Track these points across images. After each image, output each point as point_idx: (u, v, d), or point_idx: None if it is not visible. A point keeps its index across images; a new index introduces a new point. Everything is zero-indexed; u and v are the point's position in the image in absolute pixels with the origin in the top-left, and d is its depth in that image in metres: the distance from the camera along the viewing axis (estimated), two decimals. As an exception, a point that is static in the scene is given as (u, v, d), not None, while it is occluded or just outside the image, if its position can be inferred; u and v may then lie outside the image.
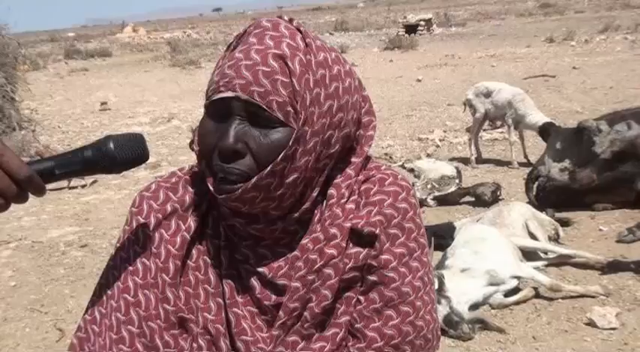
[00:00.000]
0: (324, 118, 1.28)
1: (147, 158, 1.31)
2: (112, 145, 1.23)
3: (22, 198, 1.15)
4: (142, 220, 1.42)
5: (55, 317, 5.45)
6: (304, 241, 1.34)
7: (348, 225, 1.34)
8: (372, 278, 1.35)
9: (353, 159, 1.38)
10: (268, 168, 1.24)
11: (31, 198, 1.20)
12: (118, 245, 1.44)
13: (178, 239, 1.38)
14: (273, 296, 1.36)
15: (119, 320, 1.38)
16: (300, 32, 1.28)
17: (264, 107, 1.21)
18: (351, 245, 1.34)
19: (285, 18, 1.31)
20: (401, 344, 1.36)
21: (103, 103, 18.73)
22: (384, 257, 1.35)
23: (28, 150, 11.75)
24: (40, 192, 1.17)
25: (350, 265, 1.33)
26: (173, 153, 11.56)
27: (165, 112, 16.44)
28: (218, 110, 1.26)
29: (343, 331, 1.36)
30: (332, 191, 1.36)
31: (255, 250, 1.37)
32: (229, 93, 1.22)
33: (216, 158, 1.26)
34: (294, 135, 1.24)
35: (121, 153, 1.24)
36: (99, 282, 1.45)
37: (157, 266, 1.37)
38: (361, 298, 1.37)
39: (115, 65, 34.75)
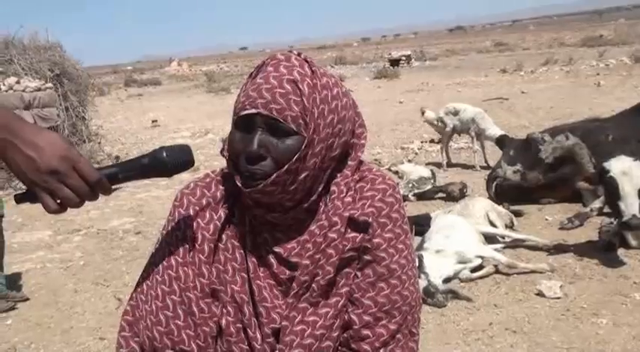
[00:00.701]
0: (328, 128, 1.30)
1: (193, 164, 1.32)
2: (164, 154, 1.24)
3: (93, 197, 1.17)
4: (182, 212, 1.44)
5: (115, 290, 5.40)
6: (312, 227, 1.36)
7: (346, 214, 1.35)
8: (367, 257, 1.37)
9: (349, 163, 1.39)
10: (285, 167, 1.26)
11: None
12: (164, 232, 1.47)
13: (212, 226, 1.40)
14: (287, 271, 1.37)
15: (164, 291, 1.40)
16: (307, 62, 1.32)
17: (281, 120, 1.25)
18: (349, 230, 1.35)
19: (295, 52, 1.35)
20: (391, 309, 1.38)
21: (154, 121, 18.80)
22: (375, 240, 1.36)
23: (95, 158, 11.75)
24: (107, 192, 1.19)
25: (348, 246, 1.35)
26: (209, 160, 11.51)
27: (203, 128, 16.42)
28: (244, 123, 1.28)
29: (344, 299, 1.37)
30: (333, 188, 1.37)
31: (273, 234, 1.38)
32: (253, 110, 1.25)
33: (243, 161, 1.28)
34: (305, 142, 1.26)
35: (171, 161, 1.25)
36: (148, 261, 1.48)
37: (195, 247, 1.39)
38: (358, 273, 1.38)
39: (163, 92, 34.91)
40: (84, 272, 6.02)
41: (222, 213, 1.41)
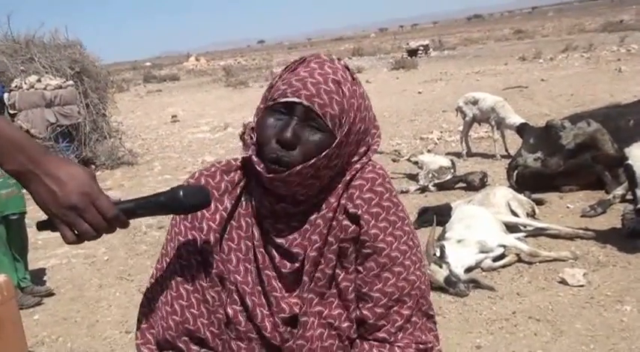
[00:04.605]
0: (356, 135, 1.35)
1: (209, 205, 1.34)
2: (181, 194, 1.25)
3: (110, 230, 1.20)
4: None
5: (139, 284, 5.45)
6: (317, 220, 1.37)
7: (343, 202, 1.38)
8: (367, 250, 1.38)
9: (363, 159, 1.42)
10: (312, 161, 1.28)
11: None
12: (173, 222, 1.48)
13: (217, 216, 1.41)
14: (288, 264, 1.38)
15: (177, 281, 1.43)
16: (348, 70, 1.36)
17: (321, 115, 1.28)
18: (344, 217, 1.38)
19: (335, 58, 1.38)
20: (401, 296, 1.39)
21: (173, 116, 18.88)
22: (372, 231, 1.37)
23: (117, 154, 11.83)
24: (124, 226, 1.22)
25: (342, 236, 1.37)
26: (229, 153, 11.56)
27: (222, 122, 16.43)
28: (280, 109, 1.30)
29: (350, 289, 1.39)
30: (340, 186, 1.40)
31: (274, 226, 1.39)
32: (296, 99, 1.28)
33: (273, 145, 1.29)
34: (337, 141, 1.30)
35: (188, 200, 1.26)
36: (161, 252, 1.50)
37: (201, 238, 1.41)
38: (360, 268, 1.39)
39: (182, 87, 35.03)
40: (108, 267, 6.09)
41: (228, 203, 1.42)
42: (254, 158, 1.34)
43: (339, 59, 1.38)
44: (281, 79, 1.34)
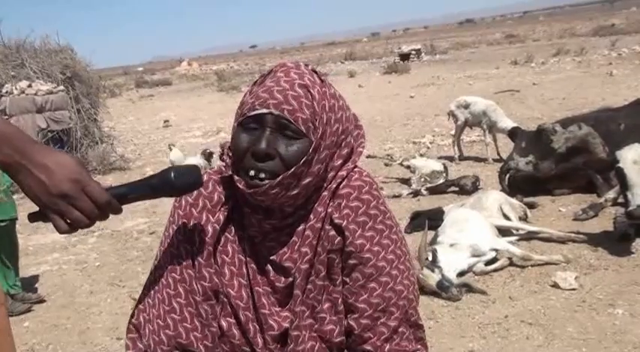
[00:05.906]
0: (333, 136, 1.33)
1: (201, 185, 1.32)
2: (172, 175, 1.24)
3: (103, 217, 1.18)
4: (181, 213, 1.44)
5: (130, 290, 5.41)
6: (300, 229, 1.36)
7: (330, 210, 1.36)
8: (352, 261, 1.36)
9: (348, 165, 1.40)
10: (292, 170, 1.26)
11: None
12: (166, 233, 1.46)
13: (210, 228, 1.39)
14: (283, 279, 1.37)
15: (169, 295, 1.41)
16: (315, 73, 1.36)
17: (292, 121, 1.26)
18: (330, 227, 1.36)
19: (302, 63, 1.38)
20: (387, 307, 1.37)
21: (165, 121, 18.87)
22: (358, 242, 1.35)
23: (108, 159, 11.78)
24: (117, 212, 1.20)
25: (329, 247, 1.35)
26: (221, 159, 11.52)
27: (214, 127, 16.44)
28: (252, 123, 1.28)
29: (339, 301, 1.38)
30: (325, 193, 1.38)
31: (264, 243, 1.38)
32: (264, 110, 1.26)
33: (249, 159, 1.28)
34: (313, 146, 1.28)
35: (179, 181, 1.25)
36: (153, 264, 1.48)
37: (194, 250, 1.40)
38: (347, 279, 1.37)
39: (174, 92, 34.97)
40: (99, 273, 6.05)
41: (220, 215, 1.40)
42: (235, 176, 1.32)
43: (306, 65, 1.37)
44: (249, 94, 1.33)
